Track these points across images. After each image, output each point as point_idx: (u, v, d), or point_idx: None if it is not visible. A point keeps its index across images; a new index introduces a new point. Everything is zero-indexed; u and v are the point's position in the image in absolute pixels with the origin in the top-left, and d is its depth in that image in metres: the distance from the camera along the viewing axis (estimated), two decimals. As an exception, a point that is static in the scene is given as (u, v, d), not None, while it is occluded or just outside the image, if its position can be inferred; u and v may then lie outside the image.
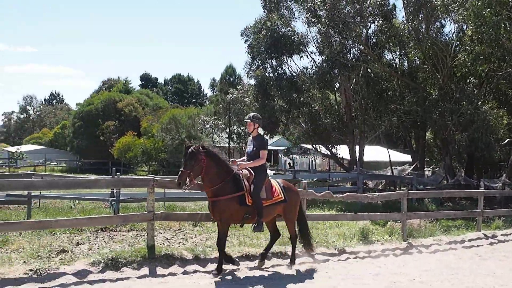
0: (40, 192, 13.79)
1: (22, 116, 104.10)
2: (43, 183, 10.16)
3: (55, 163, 53.58)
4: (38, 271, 7.01)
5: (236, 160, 8.31)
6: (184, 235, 10.28)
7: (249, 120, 8.27)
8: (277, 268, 8.48)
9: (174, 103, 74.34)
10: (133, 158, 47.06)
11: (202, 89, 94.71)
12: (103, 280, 7.07)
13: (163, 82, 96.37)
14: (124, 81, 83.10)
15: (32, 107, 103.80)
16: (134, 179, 11.01)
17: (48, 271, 7.10)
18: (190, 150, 7.43)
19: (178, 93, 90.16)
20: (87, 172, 42.18)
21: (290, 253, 8.98)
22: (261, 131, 8.74)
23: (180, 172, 7.45)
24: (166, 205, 13.95)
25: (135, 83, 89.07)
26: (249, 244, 9.55)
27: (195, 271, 7.87)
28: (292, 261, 8.65)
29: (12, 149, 63.03)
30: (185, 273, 7.75)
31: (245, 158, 8.35)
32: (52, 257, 7.77)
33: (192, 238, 10.05)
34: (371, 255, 10.03)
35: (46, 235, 9.00)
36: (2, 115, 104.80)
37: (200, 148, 7.52)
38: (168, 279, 7.35)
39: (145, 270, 7.60)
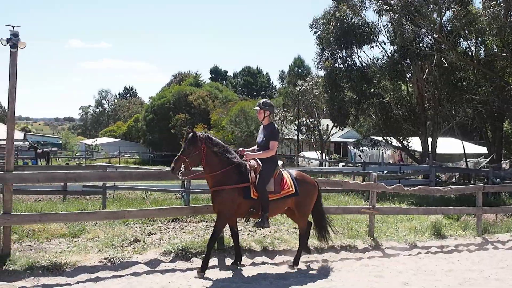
0: (115, 183, 14.33)
1: (97, 110, 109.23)
2: (117, 175, 10.59)
3: (129, 155, 55.71)
4: (112, 259, 7.28)
5: (245, 150, 7.69)
6: (252, 226, 10.31)
7: (258, 108, 7.60)
8: (346, 262, 8.32)
9: (243, 96, 75.00)
10: (203, 150, 47.92)
11: (271, 81, 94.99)
12: (174, 270, 7.24)
13: (232, 75, 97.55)
14: (194, 75, 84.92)
15: (107, 101, 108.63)
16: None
17: (122, 260, 7.36)
18: (190, 135, 6.99)
19: (247, 85, 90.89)
20: (159, 164, 43.46)
21: (358, 247, 8.78)
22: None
23: (176, 157, 6.98)
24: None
25: (205, 77, 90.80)
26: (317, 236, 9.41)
27: (263, 263, 7.88)
28: (296, 262, 7.82)
29: (89, 141, 66.27)
30: (253, 264, 7.78)
31: (255, 148, 7.70)
32: (125, 246, 8.04)
33: (260, 229, 10.05)
34: (444, 251, 9.66)
35: (119, 225, 9.33)
36: (79, 109, 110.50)
37: (201, 134, 7.11)
38: (236, 271, 7.40)
39: (214, 261, 7.69)
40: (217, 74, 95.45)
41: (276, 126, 7.74)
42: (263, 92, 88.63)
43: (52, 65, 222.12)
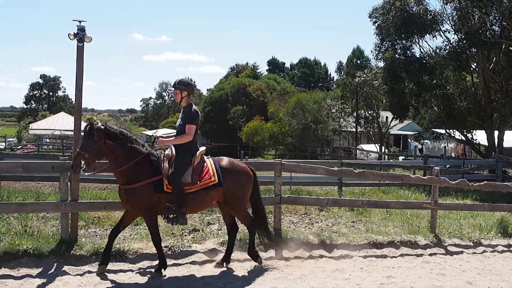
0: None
1: (158, 102, 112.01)
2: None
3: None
4: (172, 248, 7.46)
5: (161, 137, 6.93)
6: (310, 219, 10.27)
7: (173, 88, 6.80)
8: (406, 258, 8.11)
9: (301, 87, 74.60)
10: (260, 142, 48.19)
11: (328, 73, 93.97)
12: (232, 260, 7.28)
13: (289, 67, 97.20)
14: (252, 67, 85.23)
15: (167, 93, 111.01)
16: (261, 162, 11.23)
17: (181, 248, 7.53)
18: (87, 128, 6.21)
19: (305, 77, 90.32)
20: (216, 155, 43.75)
21: (419, 243, 8.55)
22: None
23: (75, 153, 6.40)
24: (292, 189, 14.03)
25: (263, 68, 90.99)
26: (377, 231, 9.25)
27: (321, 256, 7.81)
28: (254, 257, 7.10)
29: (149, 132, 68.00)
30: (311, 257, 7.73)
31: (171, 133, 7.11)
32: (185, 235, 8.21)
33: (318, 223, 10.00)
34: (511, 250, 9.21)
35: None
36: (141, 101, 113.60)
37: (100, 126, 6.25)
38: (293, 263, 7.38)
39: (271, 253, 7.71)
40: (274, 65, 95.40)
41: (195, 107, 6.79)
42: (321, 84, 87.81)
43: (116, 59, 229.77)
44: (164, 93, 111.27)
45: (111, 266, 6.72)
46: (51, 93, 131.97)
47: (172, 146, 6.69)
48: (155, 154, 6.58)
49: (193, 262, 7.13)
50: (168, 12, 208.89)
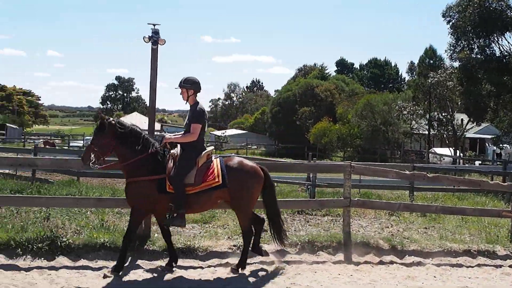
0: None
1: (226, 103, 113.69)
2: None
3: (255, 146, 57.34)
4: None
5: (166, 135, 6.78)
6: (379, 223, 10.04)
7: (181, 87, 6.64)
8: (484, 268, 7.68)
9: (370, 88, 73.17)
10: (328, 144, 47.77)
11: (399, 73, 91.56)
12: (300, 262, 7.27)
13: (358, 67, 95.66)
14: (320, 68, 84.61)
15: (235, 94, 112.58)
16: (330, 164, 11.12)
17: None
18: (98, 122, 6.34)
19: (374, 78, 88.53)
20: (284, 156, 44.13)
21: (498, 253, 8.11)
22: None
23: (86, 147, 6.54)
24: (361, 192, 13.80)
25: (331, 69, 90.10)
26: (451, 239, 8.88)
27: (392, 262, 7.59)
28: (241, 265, 6.68)
29: (218, 133, 69.25)
30: (381, 263, 7.54)
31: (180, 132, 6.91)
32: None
33: (388, 227, 9.74)
34: None
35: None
36: (210, 101, 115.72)
37: (111, 121, 6.31)
38: (363, 267, 7.23)
39: (340, 256, 7.60)
40: (343, 66, 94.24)
41: (201, 106, 6.67)
42: (391, 85, 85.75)
43: (186, 60, 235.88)
44: (232, 94, 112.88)
45: (181, 262, 6.87)
46: (125, 94, 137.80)
47: (179, 145, 6.60)
48: (162, 153, 6.48)
49: (261, 262, 7.14)
50: (236, 14, 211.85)
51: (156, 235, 7.70)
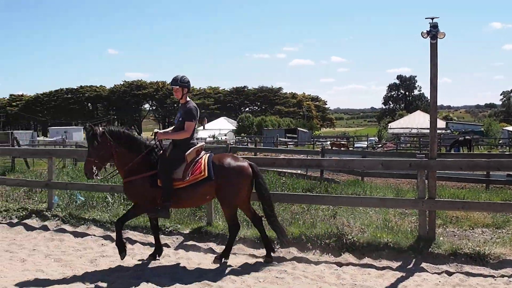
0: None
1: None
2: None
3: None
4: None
5: (159, 131, 6.93)
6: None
7: (177, 86, 6.73)
8: None
9: None
10: None
11: None
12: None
13: None
14: None
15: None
16: None
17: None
18: (90, 134, 6.36)
19: None
20: None
21: None
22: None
23: (85, 161, 6.49)
24: None
25: None
26: None
27: None
28: (224, 255, 6.78)
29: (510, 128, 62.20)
30: None
31: (169, 129, 7.07)
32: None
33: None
34: None
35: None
36: (501, 94, 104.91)
37: (103, 129, 6.42)
38: None
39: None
40: None
41: (193, 104, 6.87)
42: None
43: (471, 51, 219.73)
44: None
45: (469, 269, 6.40)
46: (407, 93, 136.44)
47: (171, 142, 6.85)
48: (155, 150, 6.78)
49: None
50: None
51: (441, 238, 7.37)
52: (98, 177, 6.63)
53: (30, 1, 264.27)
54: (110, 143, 6.45)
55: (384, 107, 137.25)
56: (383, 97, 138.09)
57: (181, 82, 6.81)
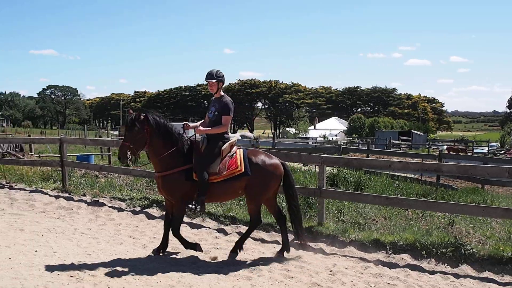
0: None
1: None
2: None
3: None
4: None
5: (191, 124, 6.95)
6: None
7: (214, 80, 6.73)
8: None
9: None
10: None
11: None
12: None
13: None
14: None
15: None
16: None
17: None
18: (129, 119, 6.35)
19: None
20: None
21: None
22: None
23: (120, 146, 6.46)
24: None
25: None
26: None
27: None
28: (238, 246, 6.85)
29: None
30: None
31: (206, 121, 6.93)
32: None
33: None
34: None
35: None
36: None
37: (142, 116, 6.36)
38: None
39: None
40: None
41: (229, 98, 6.83)
42: None
43: None
44: None
45: None
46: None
47: (205, 136, 6.76)
48: (188, 143, 6.74)
49: None
50: None
51: None
52: (131, 165, 7.14)
53: (158, 13, 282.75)
54: (147, 130, 6.40)
55: (508, 110, 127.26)
56: (508, 100, 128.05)
57: (216, 76, 6.81)
